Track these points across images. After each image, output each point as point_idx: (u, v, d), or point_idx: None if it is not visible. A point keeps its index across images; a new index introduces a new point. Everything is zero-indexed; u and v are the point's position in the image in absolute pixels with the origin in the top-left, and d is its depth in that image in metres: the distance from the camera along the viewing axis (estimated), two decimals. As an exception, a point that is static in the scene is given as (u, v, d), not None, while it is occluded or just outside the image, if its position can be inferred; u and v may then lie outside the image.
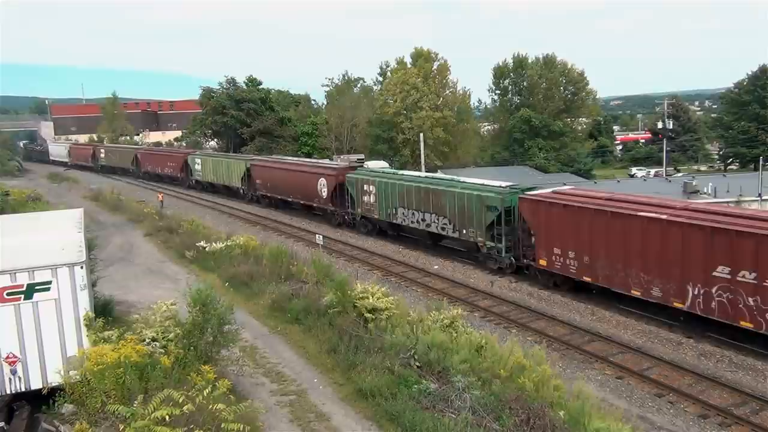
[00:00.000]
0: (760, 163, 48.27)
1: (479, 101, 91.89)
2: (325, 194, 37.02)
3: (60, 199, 46.21)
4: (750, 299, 16.59)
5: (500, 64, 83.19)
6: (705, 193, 46.07)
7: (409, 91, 70.57)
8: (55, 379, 12.06)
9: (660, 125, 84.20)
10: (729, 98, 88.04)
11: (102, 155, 76.83)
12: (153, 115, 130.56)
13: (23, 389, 12.20)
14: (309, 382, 14.66)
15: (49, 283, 12.16)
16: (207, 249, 27.17)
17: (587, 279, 21.59)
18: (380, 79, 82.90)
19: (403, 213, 30.80)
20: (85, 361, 11.57)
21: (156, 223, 35.51)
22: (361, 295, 17.53)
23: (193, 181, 57.18)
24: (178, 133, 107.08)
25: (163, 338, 13.33)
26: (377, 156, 67.80)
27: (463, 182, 29.10)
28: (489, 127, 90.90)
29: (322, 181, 37.30)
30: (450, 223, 27.75)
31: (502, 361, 14.38)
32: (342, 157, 65.57)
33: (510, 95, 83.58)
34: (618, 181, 59.38)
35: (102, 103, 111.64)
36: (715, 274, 17.32)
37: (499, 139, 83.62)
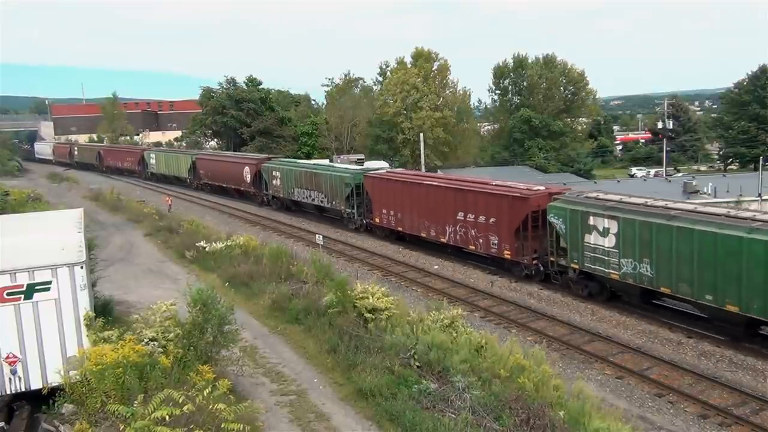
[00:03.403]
0: (760, 163, 48.29)
1: (479, 101, 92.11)
2: (248, 180, 46.65)
3: (60, 199, 46.18)
4: (473, 231, 26.16)
5: (500, 64, 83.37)
6: (705, 193, 46.03)
7: (409, 91, 70.58)
8: (55, 379, 12.03)
9: (660, 125, 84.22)
10: (729, 98, 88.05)
11: (76, 153, 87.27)
12: (153, 115, 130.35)
13: (23, 389, 12.18)
14: (309, 382, 14.65)
15: (49, 283, 12.13)
16: (207, 249, 27.16)
17: (400, 229, 31.25)
18: (380, 79, 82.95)
19: (298, 192, 40.16)
20: (85, 361, 11.55)
21: (156, 223, 35.51)
22: (361, 295, 17.52)
23: (149, 173, 66.31)
24: (178, 133, 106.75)
25: (162, 338, 13.30)
26: (377, 156, 67.77)
27: (333, 167, 40.59)
28: (489, 127, 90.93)
29: (246, 169, 47.06)
30: (326, 198, 37.05)
31: (502, 361, 14.37)
32: (342, 157, 65.53)
33: (510, 95, 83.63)
34: (618, 181, 59.37)
35: (102, 103, 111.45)
36: (458, 217, 26.78)
37: (499, 139, 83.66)
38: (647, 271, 19.24)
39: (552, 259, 23.09)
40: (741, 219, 17.56)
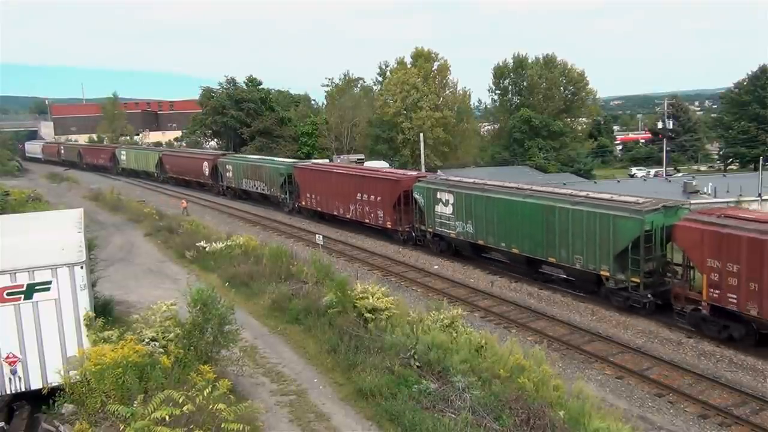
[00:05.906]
0: (760, 163, 48.27)
1: (479, 101, 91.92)
2: (207, 173, 53.41)
3: (60, 199, 46.19)
4: (367, 208, 33.02)
5: (500, 64, 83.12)
6: (705, 193, 45.98)
7: (409, 91, 70.48)
8: (55, 379, 12.02)
9: (660, 125, 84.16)
10: (729, 98, 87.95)
11: (62, 152, 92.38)
12: (153, 115, 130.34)
13: (23, 389, 12.17)
14: (309, 382, 14.65)
15: (49, 283, 12.12)
16: (207, 249, 27.16)
17: (319, 209, 38.19)
18: (380, 79, 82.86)
19: (246, 182, 47.16)
20: (84, 361, 11.54)
21: (156, 223, 35.50)
22: (361, 295, 17.53)
23: (120, 169, 72.10)
24: (178, 133, 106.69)
25: (163, 338, 13.28)
26: (377, 156, 67.76)
27: (272, 160, 47.60)
28: (489, 127, 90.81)
29: (205, 164, 53.95)
30: (266, 186, 44.22)
31: (502, 361, 14.37)
32: (342, 157, 65.59)
33: (510, 95, 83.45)
34: (618, 181, 59.32)
35: (102, 103, 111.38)
36: (357, 197, 33.62)
37: (499, 139, 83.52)
38: (471, 229, 26.66)
39: (417, 225, 30.30)
40: (522, 189, 25.22)
